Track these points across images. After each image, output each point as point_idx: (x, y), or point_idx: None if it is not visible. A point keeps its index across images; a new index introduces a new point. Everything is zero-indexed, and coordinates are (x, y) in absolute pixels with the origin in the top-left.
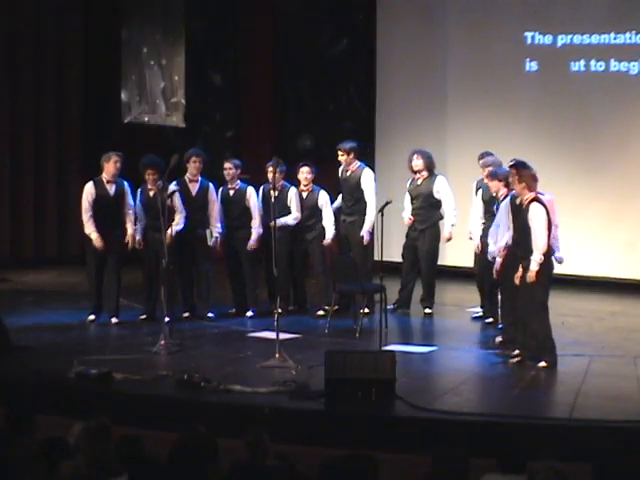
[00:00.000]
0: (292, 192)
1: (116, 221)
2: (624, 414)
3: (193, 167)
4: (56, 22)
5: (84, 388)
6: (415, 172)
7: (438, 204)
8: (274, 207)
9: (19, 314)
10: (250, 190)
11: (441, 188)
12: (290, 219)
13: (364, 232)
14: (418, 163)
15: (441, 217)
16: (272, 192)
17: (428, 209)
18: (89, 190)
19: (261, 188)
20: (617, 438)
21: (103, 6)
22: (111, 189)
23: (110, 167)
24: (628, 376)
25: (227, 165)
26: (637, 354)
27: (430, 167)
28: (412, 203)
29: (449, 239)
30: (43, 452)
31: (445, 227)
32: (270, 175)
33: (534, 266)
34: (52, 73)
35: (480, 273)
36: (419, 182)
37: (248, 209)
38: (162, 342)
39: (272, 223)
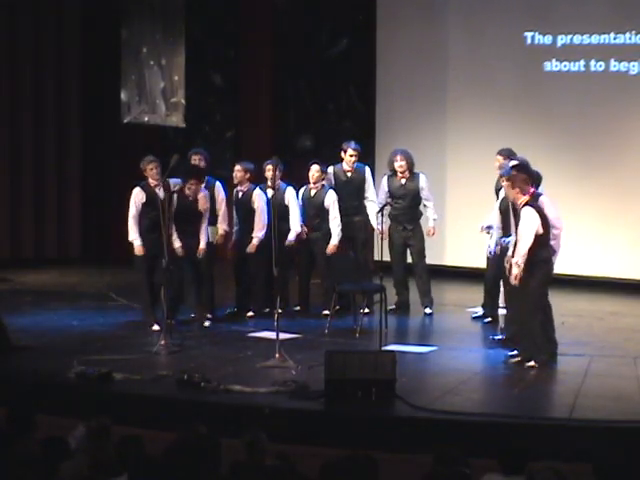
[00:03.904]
0: (290, 192)
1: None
2: (624, 414)
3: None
4: (56, 22)
5: (84, 388)
6: (400, 173)
7: (420, 202)
8: (274, 206)
9: (19, 314)
10: (256, 192)
11: (425, 186)
12: (297, 227)
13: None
14: (402, 164)
15: (421, 214)
16: (269, 191)
17: (415, 208)
18: (138, 195)
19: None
20: (617, 438)
21: (103, 6)
22: (160, 192)
23: (151, 174)
24: (628, 376)
25: (236, 168)
26: (637, 354)
27: (412, 167)
28: (395, 202)
29: (433, 234)
30: (43, 452)
31: (429, 222)
32: (268, 174)
33: (515, 270)
34: (52, 73)
35: (490, 273)
36: (403, 182)
37: (254, 211)
38: (162, 342)
39: (272, 225)
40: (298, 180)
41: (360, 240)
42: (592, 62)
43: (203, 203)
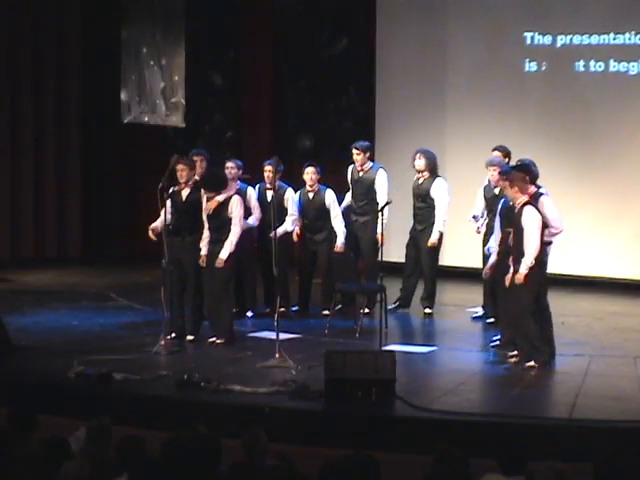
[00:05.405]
0: (289, 193)
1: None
2: (624, 414)
3: (197, 166)
4: (56, 22)
5: (84, 388)
6: (418, 172)
7: (434, 204)
8: (273, 207)
9: (19, 314)
10: (250, 191)
11: (436, 191)
12: (288, 225)
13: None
14: (420, 163)
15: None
16: (269, 192)
17: (428, 209)
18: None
19: (257, 187)
20: (617, 438)
21: (103, 6)
22: (184, 193)
23: (178, 175)
24: (628, 376)
25: (229, 165)
26: (637, 354)
27: (432, 168)
28: (414, 202)
29: (432, 244)
30: (44, 452)
31: (432, 233)
32: (267, 174)
33: (523, 269)
34: (52, 73)
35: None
36: (420, 182)
37: (248, 209)
38: (162, 342)
39: (272, 226)
40: (298, 180)
41: (365, 241)
42: (592, 62)
43: (205, 209)
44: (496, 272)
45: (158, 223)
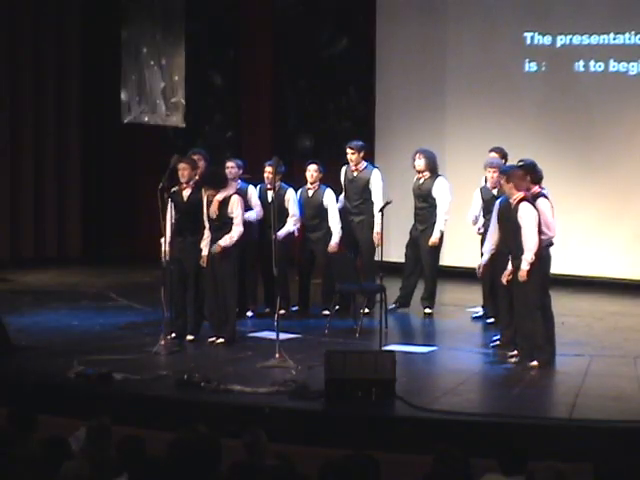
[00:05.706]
0: (290, 194)
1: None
2: (624, 414)
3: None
4: (56, 22)
5: (84, 388)
6: (418, 172)
7: (436, 204)
8: (274, 208)
9: (19, 314)
10: (251, 189)
11: (437, 190)
12: (290, 226)
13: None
14: (420, 163)
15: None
16: (269, 192)
17: (428, 209)
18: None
19: (257, 188)
20: (617, 438)
21: (103, 6)
22: (185, 194)
23: (179, 174)
24: (628, 376)
25: (230, 164)
26: (637, 354)
27: (432, 167)
28: (415, 203)
29: (433, 244)
30: (44, 452)
31: (434, 232)
32: (267, 175)
33: (525, 265)
34: (52, 73)
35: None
36: (421, 182)
37: (249, 208)
38: (162, 342)
39: (272, 226)
40: (298, 180)
41: (361, 241)
42: (592, 62)
43: (211, 212)
44: (497, 271)
45: (167, 246)
